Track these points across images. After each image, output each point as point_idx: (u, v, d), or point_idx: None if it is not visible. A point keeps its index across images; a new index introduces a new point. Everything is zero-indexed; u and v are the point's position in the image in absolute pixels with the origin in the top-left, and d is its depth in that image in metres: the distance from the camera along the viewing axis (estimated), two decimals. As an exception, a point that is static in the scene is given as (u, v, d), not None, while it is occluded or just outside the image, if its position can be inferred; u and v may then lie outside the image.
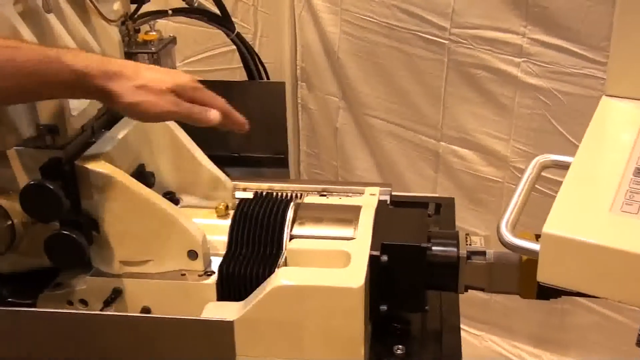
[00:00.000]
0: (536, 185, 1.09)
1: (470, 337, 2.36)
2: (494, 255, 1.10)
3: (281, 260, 1.10)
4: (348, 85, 2.44)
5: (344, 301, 1.01)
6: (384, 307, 1.09)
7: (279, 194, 1.25)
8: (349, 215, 1.16)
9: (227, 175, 1.33)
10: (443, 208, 1.48)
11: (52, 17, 1.09)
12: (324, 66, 2.50)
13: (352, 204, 1.20)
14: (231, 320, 0.83)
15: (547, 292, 1.04)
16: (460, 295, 1.17)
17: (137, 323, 0.86)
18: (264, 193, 1.28)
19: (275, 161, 1.63)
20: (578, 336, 2.18)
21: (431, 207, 1.47)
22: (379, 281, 1.07)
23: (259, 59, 1.72)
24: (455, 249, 1.10)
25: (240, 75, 1.93)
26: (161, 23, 2.26)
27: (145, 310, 1.13)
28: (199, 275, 1.13)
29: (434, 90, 2.27)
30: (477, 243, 1.12)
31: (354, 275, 1.02)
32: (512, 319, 2.29)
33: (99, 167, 1.09)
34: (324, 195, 1.33)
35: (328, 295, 1.01)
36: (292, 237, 1.14)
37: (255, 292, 1.05)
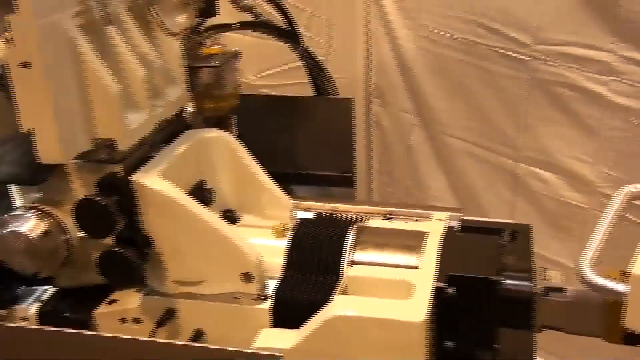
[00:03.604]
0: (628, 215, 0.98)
1: (548, 374, 2.21)
2: (575, 293, 0.99)
3: (340, 288, 1.04)
4: (423, 102, 2.36)
5: (405, 336, 0.93)
6: (450, 344, 1.00)
7: (341, 215, 1.19)
8: (414, 242, 1.08)
9: (291, 193, 1.27)
10: (519, 236, 1.38)
11: (112, 30, 1.06)
12: (398, 82, 2.42)
13: (418, 230, 1.12)
14: (279, 354, 0.77)
15: (637, 338, 0.92)
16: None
17: (183, 352, 0.82)
18: (326, 214, 1.22)
19: (341, 180, 1.56)
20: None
21: (506, 234, 1.37)
22: (445, 315, 0.99)
23: (328, 74, 1.67)
24: (529, 284, 1.01)
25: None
26: (235, 37, 2.25)
27: (198, 332, 1.09)
28: (254, 299, 1.07)
29: (514, 109, 2.16)
30: (555, 278, 1.02)
31: (417, 308, 0.94)
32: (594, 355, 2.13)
33: (154, 183, 1.06)
34: (389, 219, 1.26)
35: (388, 329, 0.94)
36: (352, 263, 1.07)
37: (311, 320, 0.99)
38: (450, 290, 0.99)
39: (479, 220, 1.45)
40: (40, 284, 1.18)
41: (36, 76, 0.96)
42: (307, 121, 1.57)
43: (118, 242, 1.05)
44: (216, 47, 1.27)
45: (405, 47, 2.34)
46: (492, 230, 1.35)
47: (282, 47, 2.18)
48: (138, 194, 1.05)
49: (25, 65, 0.96)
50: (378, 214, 1.28)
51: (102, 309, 1.12)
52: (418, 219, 1.24)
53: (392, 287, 1.01)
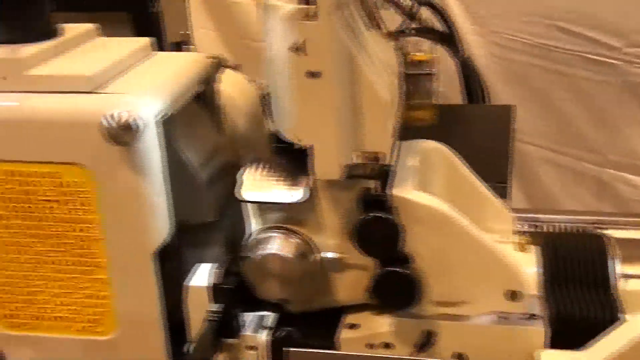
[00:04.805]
0: None
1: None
2: None
3: (623, 304, 0.99)
4: (496, 110, 2.34)
5: None
6: None
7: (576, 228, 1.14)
8: (681, 251, 1.04)
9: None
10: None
11: (364, 35, 0.99)
12: (467, 90, 2.39)
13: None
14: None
15: None
16: None
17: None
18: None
19: (495, 190, 1.51)
20: None
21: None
22: None
23: (484, 82, 1.62)
24: None
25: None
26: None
27: (460, 356, 1.02)
28: (522, 319, 1.01)
29: (598, 114, 2.17)
30: None
31: None
32: None
33: (419, 197, 0.99)
34: (602, 229, 1.21)
35: None
36: (625, 277, 1.02)
37: (603, 341, 0.94)
38: None
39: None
40: (261, 309, 1.08)
41: (325, 86, 0.88)
42: (462, 129, 1.51)
43: (387, 263, 0.97)
44: (419, 53, 1.20)
45: (474, 54, 2.31)
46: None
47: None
48: (400, 209, 0.98)
49: (313, 75, 0.87)
50: (584, 223, 1.24)
51: (347, 334, 1.03)
52: (629, 227, 1.20)
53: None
